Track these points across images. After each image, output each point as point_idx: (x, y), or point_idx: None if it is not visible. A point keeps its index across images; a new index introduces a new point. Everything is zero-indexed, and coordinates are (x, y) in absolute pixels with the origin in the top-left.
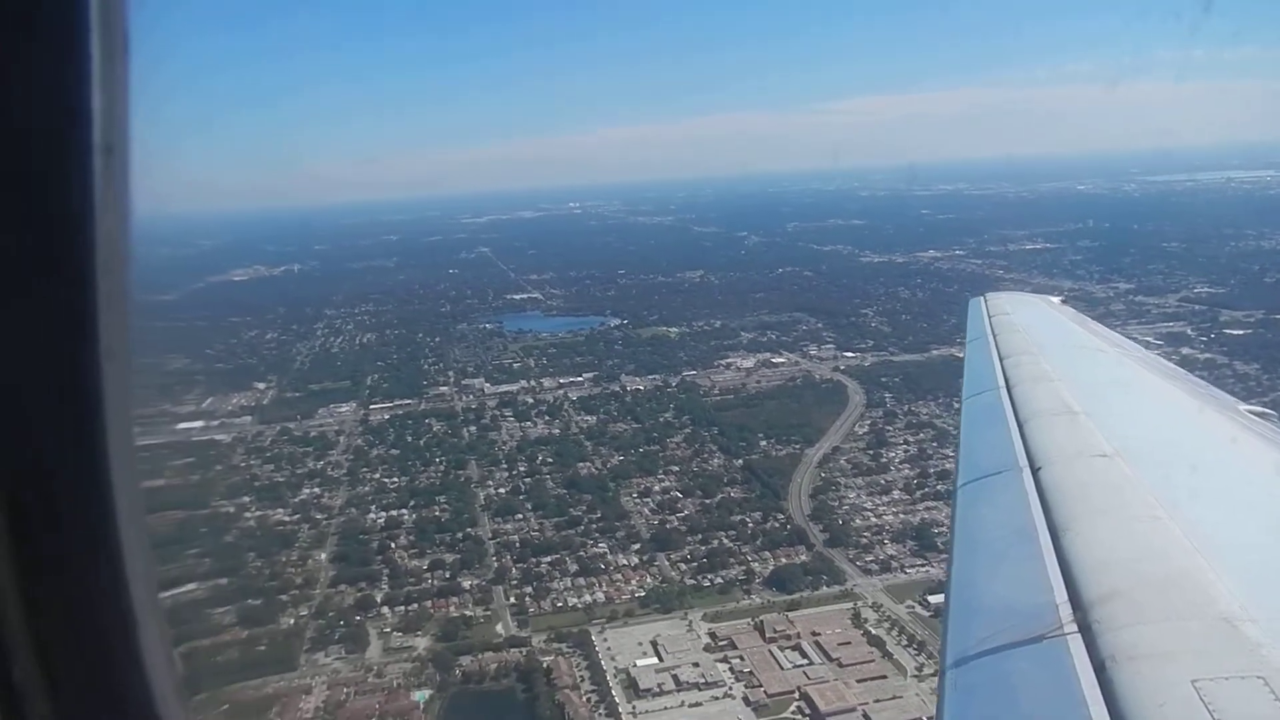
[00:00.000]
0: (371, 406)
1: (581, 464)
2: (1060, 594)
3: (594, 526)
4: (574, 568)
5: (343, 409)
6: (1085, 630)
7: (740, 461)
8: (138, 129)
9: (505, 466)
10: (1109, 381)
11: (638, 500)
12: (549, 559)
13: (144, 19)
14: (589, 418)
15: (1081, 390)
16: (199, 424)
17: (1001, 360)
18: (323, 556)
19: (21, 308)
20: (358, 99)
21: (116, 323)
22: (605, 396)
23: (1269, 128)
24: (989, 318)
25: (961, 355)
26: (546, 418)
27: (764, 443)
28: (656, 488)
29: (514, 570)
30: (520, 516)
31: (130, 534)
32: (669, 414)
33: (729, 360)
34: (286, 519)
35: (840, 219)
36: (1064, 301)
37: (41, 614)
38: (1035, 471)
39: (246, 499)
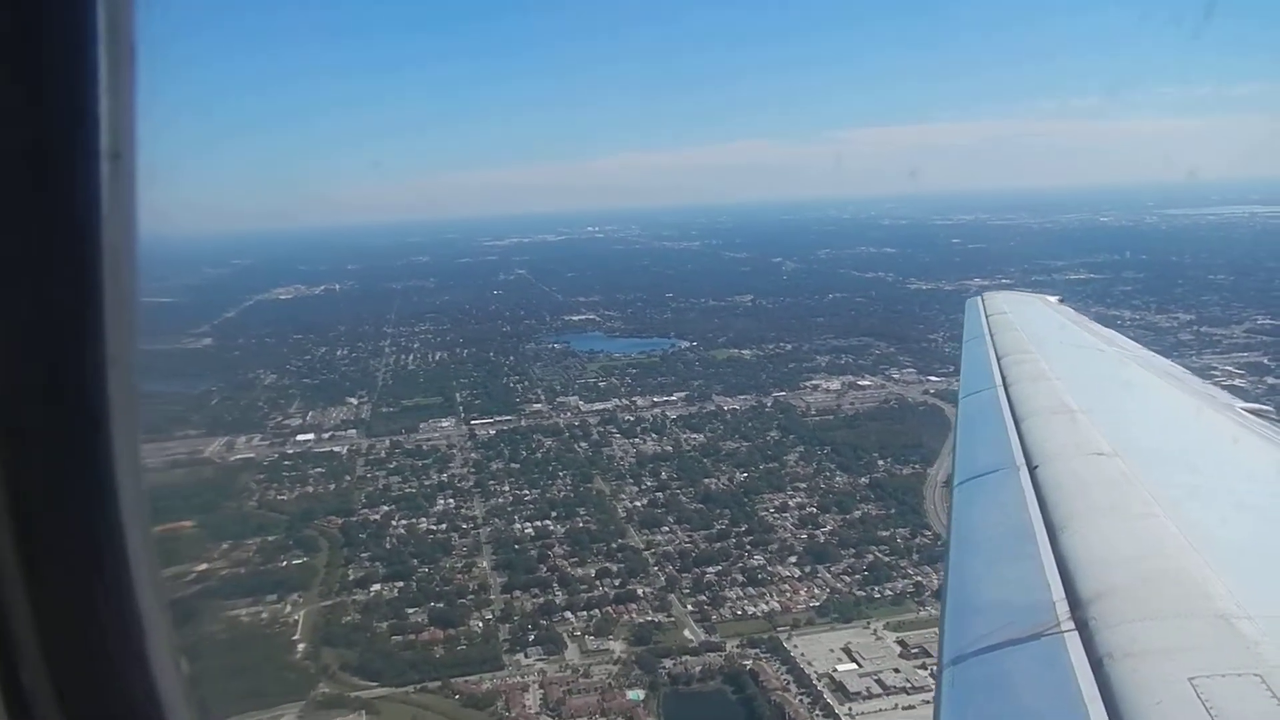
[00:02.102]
0: (472, 422)
1: (707, 479)
2: (1057, 591)
3: (744, 540)
4: (740, 578)
5: (444, 424)
6: (1082, 627)
7: (865, 480)
8: (144, 136)
9: (632, 481)
10: (1106, 380)
11: (776, 515)
12: (713, 570)
13: (152, 29)
14: (696, 435)
15: (1079, 388)
16: (310, 436)
17: (999, 359)
18: (485, 564)
19: (26, 312)
20: (366, 123)
21: (122, 328)
22: (705, 415)
23: None
24: (986, 316)
25: None
26: (654, 435)
27: (881, 462)
28: (791, 503)
29: (683, 580)
30: (666, 529)
31: (135, 539)
32: (774, 433)
33: (813, 382)
34: (434, 528)
35: (869, 246)
36: (1061, 301)
37: (48, 619)
38: (1032, 469)
39: (386, 508)
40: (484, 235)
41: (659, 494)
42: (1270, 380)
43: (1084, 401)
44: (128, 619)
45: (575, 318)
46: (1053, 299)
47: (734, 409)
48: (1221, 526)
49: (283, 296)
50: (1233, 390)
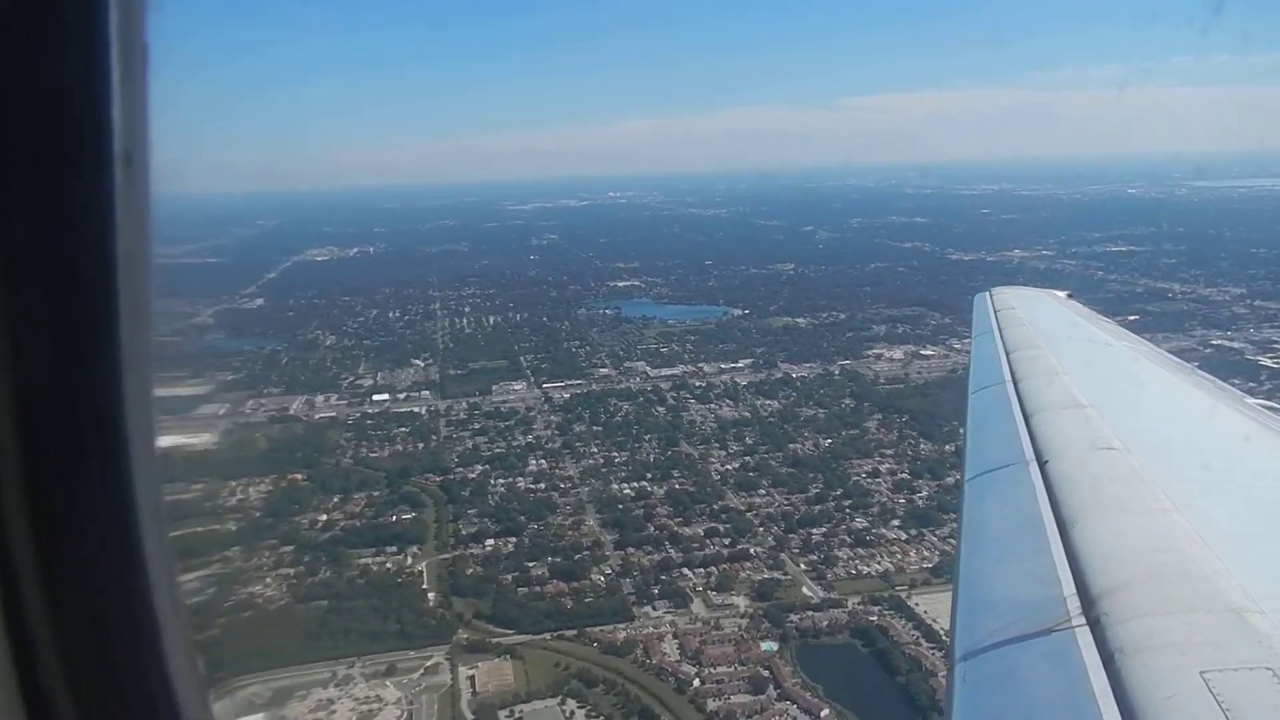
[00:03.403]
0: (544, 385)
1: (792, 445)
2: (1069, 587)
3: (843, 503)
4: (847, 539)
5: (515, 387)
6: (1094, 623)
7: (950, 447)
8: (157, 138)
9: (718, 445)
10: (1116, 375)
11: (869, 480)
12: (818, 531)
13: (164, 26)
14: (771, 402)
15: (1089, 383)
16: (385, 397)
17: (1008, 354)
18: (592, 522)
19: (42, 317)
20: (377, 86)
21: (138, 331)
22: (775, 383)
23: None
24: (995, 312)
25: None
26: (729, 401)
27: (962, 430)
28: (882, 469)
29: (791, 540)
30: (763, 491)
31: (152, 541)
32: (848, 400)
33: (875, 351)
34: (533, 487)
35: (899, 216)
36: (1070, 296)
37: (65, 620)
38: (1043, 465)
39: (480, 467)
40: (505, 199)
41: (748, 458)
42: None
43: (1094, 396)
44: (145, 621)
45: (619, 284)
46: (1061, 294)
47: (802, 376)
48: (1233, 521)
49: (318, 258)
50: None
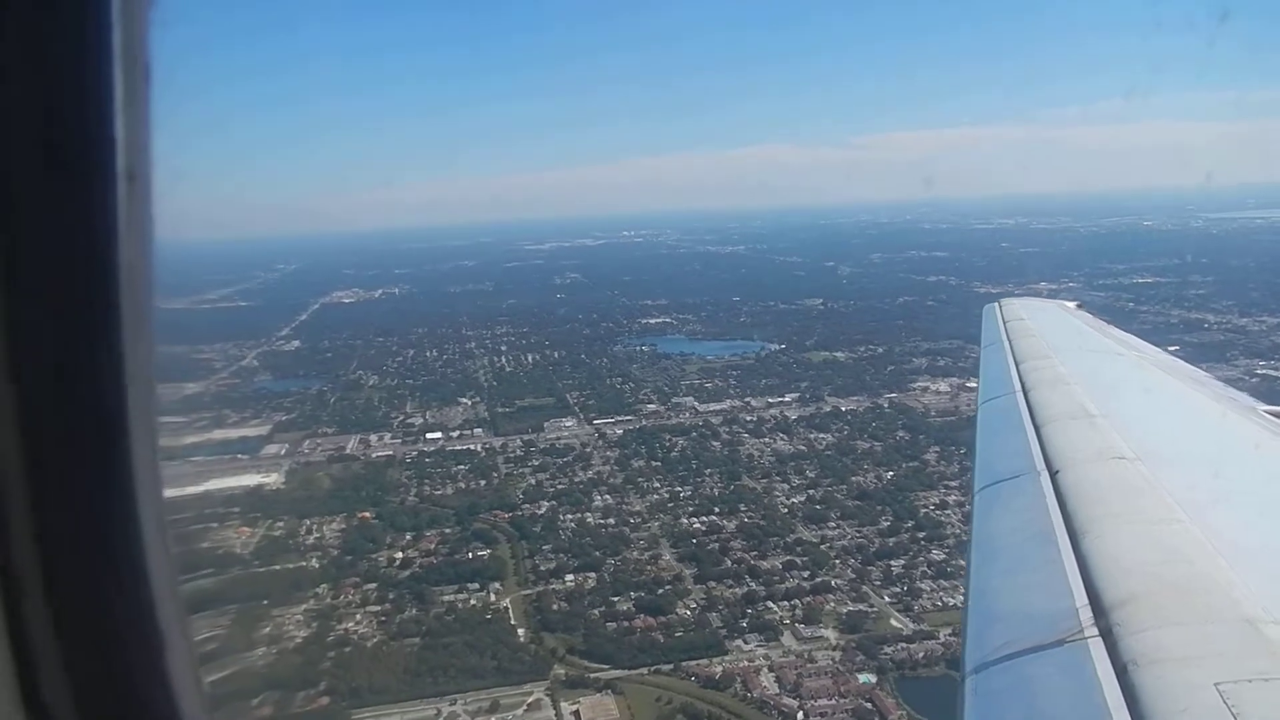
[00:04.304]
0: (595, 422)
1: (853, 478)
2: (1080, 598)
3: (916, 535)
4: (928, 571)
5: (567, 423)
6: (1106, 634)
7: None
8: (160, 156)
9: (780, 479)
10: (1126, 384)
11: (939, 511)
12: (896, 563)
13: (168, 49)
14: (824, 435)
15: (1099, 393)
16: (439, 435)
17: (1017, 364)
18: (668, 557)
19: (45, 331)
20: (390, 130)
21: (141, 347)
22: (825, 416)
23: None
24: (1004, 323)
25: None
26: (783, 435)
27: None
28: (950, 501)
29: (870, 572)
30: (833, 524)
31: (156, 555)
32: (902, 433)
33: (920, 384)
34: (603, 522)
35: (920, 250)
36: (1080, 306)
37: (67, 629)
38: (1053, 475)
39: (547, 503)
40: (521, 239)
41: (812, 491)
42: None
43: (1104, 406)
44: (147, 629)
45: (651, 320)
46: (1070, 304)
47: (851, 409)
48: (1246, 531)
49: (345, 300)
50: None
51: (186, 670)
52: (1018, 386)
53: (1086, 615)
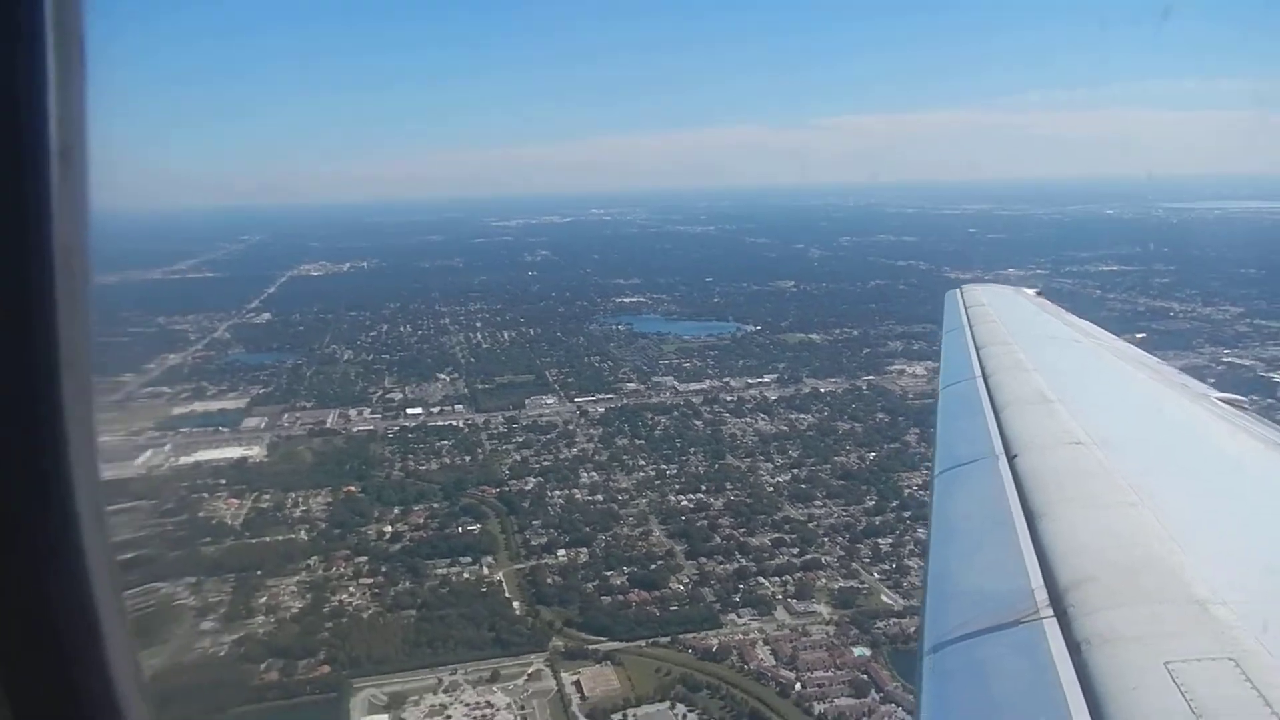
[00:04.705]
0: (576, 400)
1: (836, 458)
2: (1036, 579)
3: (902, 515)
4: (915, 549)
5: (547, 401)
6: (1061, 615)
7: None
8: (96, 132)
9: (764, 458)
10: (1083, 370)
11: (921, 492)
12: (885, 541)
13: (103, 23)
14: (805, 416)
15: (1056, 379)
16: (419, 410)
17: (978, 350)
18: (658, 533)
19: None
20: (353, 102)
21: (76, 330)
22: (804, 398)
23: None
24: (965, 308)
25: None
26: (764, 415)
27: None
28: None
29: (859, 550)
30: (819, 503)
31: (94, 542)
32: (881, 415)
33: (897, 367)
34: (591, 499)
35: (889, 235)
36: (1039, 293)
37: (4, 624)
38: (1011, 459)
39: (534, 480)
40: (486, 215)
41: (796, 471)
42: None
43: (1061, 391)
44: (85, 621)
45: (625, 300)
46: (1030, 291)
47: (830, 391)
48: (1196, 514)
49: (313, 273)
50: None
51: (125, 660)
52: (978, 372)
53: (1042, 596)
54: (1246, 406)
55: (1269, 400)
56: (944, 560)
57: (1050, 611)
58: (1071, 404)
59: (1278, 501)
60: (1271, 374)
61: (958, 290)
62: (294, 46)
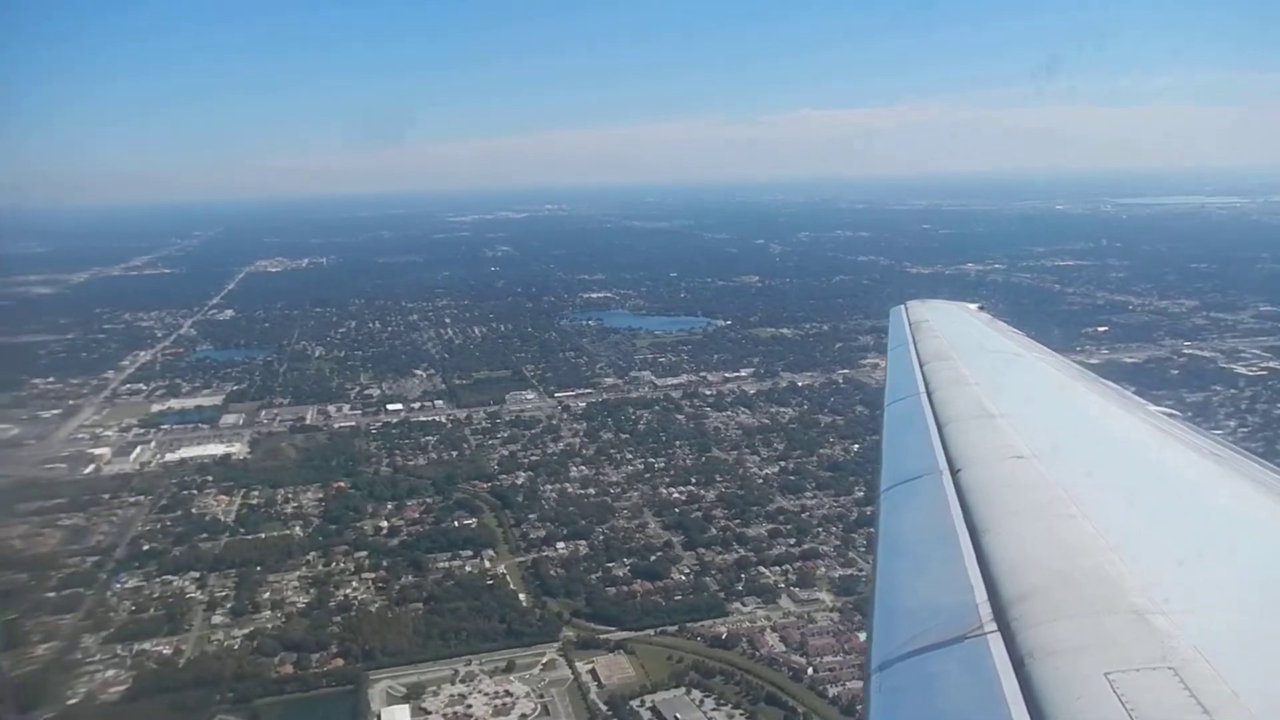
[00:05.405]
0: (557, 395)
1: (822, 450)
2: (980, 594)
3: None
4: None
5: (527, 396)
6: (1004, 629)
7: None
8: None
9: (749, 451)
10: (1024, 384)
11: None
12: None
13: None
14: (785, 409)
15: (998, 394)
16: (399, 406)
17: (922, 366)
18: (654, 525)
19: None
20: (298, 97)
21: None
22: (783, 391)
23: (1218, 153)
24: (909, 324)
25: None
26: (744, 409)
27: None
28: None
29: (855, 539)
30: (810, 494)
31: None
32: (860, 408)
33: (870, 361)
34: (583, 492)
35: (846, 230)
36: (981, 308)
37: None
38: (955, 474)
39: (524, 474)
40: (440, 211)
41: (784, 463)
42: None
43: (1003, 406)
44: None
45: (592, 295)
46: (972, 306)
47: (808, 385)
48: (1135, 525)
49: (271, 269)
50: None
51: None
52: (922, 388)
53: (986, 611)
54: (1181, 419)
55: (1231, 390)
56: (890, 576)
57: (994, 626)
58: (1013, 418)
59: (1212, 509)
60: (1233, 365)
61: (903, 306)
62: (235, 42)
